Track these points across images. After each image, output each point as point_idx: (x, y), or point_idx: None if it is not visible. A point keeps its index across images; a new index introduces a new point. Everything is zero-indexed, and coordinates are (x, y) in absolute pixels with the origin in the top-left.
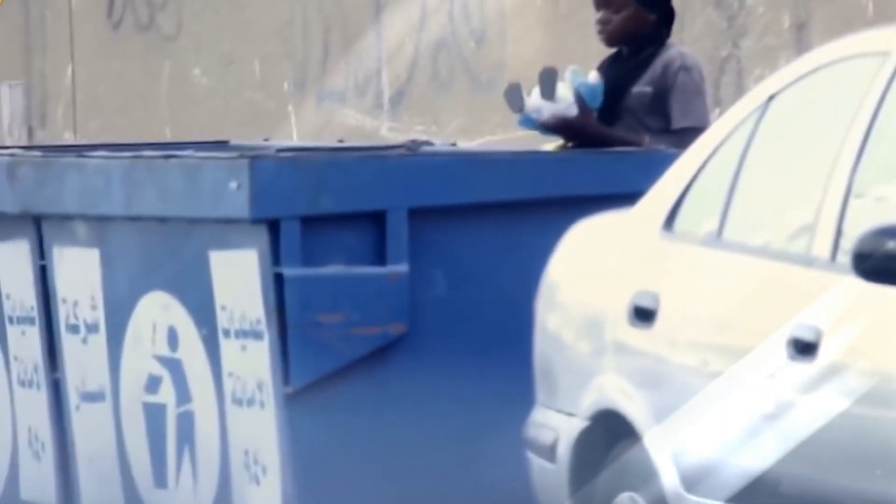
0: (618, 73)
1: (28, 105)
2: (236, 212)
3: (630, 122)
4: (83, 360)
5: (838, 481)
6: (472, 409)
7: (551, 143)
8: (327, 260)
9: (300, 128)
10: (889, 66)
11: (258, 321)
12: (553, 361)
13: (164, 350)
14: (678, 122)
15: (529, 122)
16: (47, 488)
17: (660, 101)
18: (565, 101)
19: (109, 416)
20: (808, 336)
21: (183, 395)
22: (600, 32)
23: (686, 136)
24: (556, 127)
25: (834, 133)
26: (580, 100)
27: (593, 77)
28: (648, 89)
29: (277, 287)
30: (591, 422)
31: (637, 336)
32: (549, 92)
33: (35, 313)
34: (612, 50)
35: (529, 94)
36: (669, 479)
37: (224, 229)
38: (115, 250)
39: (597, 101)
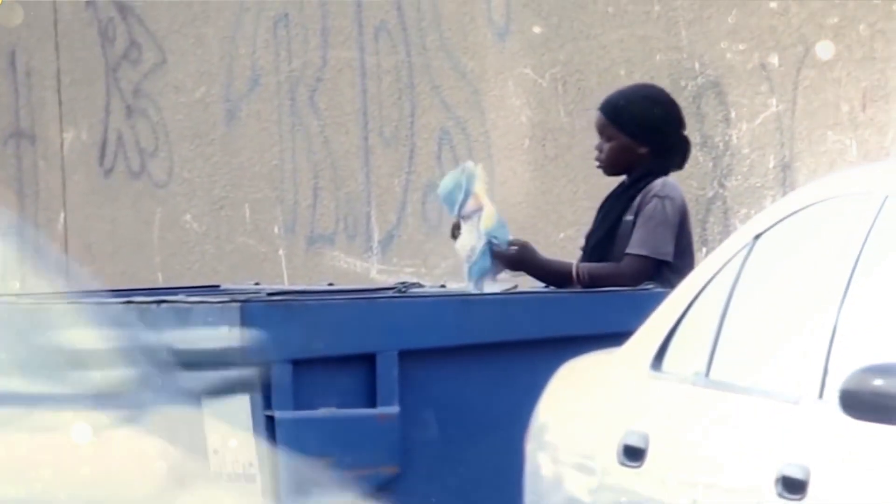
0: (613, 203)
1: None
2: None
3: (622, 249)
4: None
5: None
6: None
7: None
8: (319, 402)
9: (291, 271)
10: (873, 205)
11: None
12: (544, 501)
13: None
14: (633, 247)
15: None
16: None
17: None
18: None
19: None
20: (796, 474)
21: None
22: (596, 159)
23: (636, 263)
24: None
25: (820, 271)
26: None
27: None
28: (630, 218)
29: (269, 430)
30: None
31: (627, 475)
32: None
33: None
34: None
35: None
36: None
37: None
38: None
39: (503, 232)
